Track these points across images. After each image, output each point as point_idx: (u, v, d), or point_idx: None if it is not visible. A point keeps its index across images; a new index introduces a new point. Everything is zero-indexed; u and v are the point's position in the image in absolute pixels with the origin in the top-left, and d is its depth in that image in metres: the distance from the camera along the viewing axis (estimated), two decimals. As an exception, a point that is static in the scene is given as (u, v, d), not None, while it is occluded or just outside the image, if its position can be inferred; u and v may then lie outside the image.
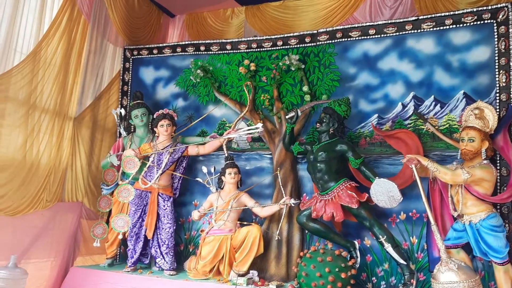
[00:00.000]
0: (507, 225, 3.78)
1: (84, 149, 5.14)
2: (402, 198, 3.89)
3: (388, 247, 3.97)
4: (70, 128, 4.95)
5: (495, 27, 4.07)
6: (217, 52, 5.20)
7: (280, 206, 4.38)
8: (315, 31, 4.82)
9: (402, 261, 3.94)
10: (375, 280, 4.22)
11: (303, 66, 4.70)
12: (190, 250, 5.02)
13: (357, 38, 4.61)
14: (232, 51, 5.13)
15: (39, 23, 4.55)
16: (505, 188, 3.82)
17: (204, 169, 4.77)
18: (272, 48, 4.96)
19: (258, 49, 5.02)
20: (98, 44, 5.32)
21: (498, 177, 3.86)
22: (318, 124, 4.35)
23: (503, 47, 4.02)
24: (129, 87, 5.53)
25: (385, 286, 4.19)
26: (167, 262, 4.70)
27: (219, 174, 4.71)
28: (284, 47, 4.91)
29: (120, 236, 4.84)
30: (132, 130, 5.30)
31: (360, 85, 4.57)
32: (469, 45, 4.18)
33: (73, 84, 4.95)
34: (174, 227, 4.80)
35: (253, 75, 4.97)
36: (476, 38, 4.15)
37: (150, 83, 5.49)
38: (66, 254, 4.91)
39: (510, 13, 4.02)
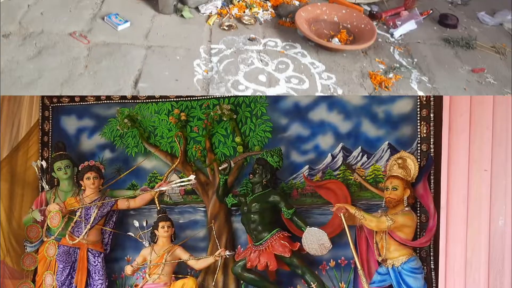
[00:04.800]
0: (425, 267, 4.29)
1: (3, 205, 5.08)
2: (331, 246, 4.31)
3: (319, 293, 4.38)
4: (-15, 182, 4.89)
5: (418, 80, 4.50)
6: (144, 101, 5.27)
7: (215, 258, 4.61)
8: (247, 81, 5.10)
9: (332, 306, 4.40)
10: (307, 326, 4.60)
11: (235, 116, 4.95)
12: (124, 306, 5.12)
13: (287, 89, 4.98)
14: (160, 100, 5.22)
15: None
16: (424, 233, 4.31)
17: (136, 223, 4.86)
18: (203, 97, 5.11)
19: (188, 98, 5.14)
20: (13, 90, 5.25)
21: (418, 223, 4.35)
22: (251, 175, 4.65)
23: (424, 99, 4.44)
24: (50, 137, 5.46)
25: (316, 330, 4.57)
26: (99, 321, 4.78)
27: (151, 228, 4.85)
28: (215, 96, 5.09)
29: (47, 296, 4.84)
30: (55, 184, 5.29)
31: (292, 136, 4.88)
32: (394, 96, 4.53)
33: (-15, 134, 4.88)
34: (106, 283, 4.88)
35: (184, 125, 5.11)
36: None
37: (73, 134, 5.47)
38: (-12, 320, 4.82)
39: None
